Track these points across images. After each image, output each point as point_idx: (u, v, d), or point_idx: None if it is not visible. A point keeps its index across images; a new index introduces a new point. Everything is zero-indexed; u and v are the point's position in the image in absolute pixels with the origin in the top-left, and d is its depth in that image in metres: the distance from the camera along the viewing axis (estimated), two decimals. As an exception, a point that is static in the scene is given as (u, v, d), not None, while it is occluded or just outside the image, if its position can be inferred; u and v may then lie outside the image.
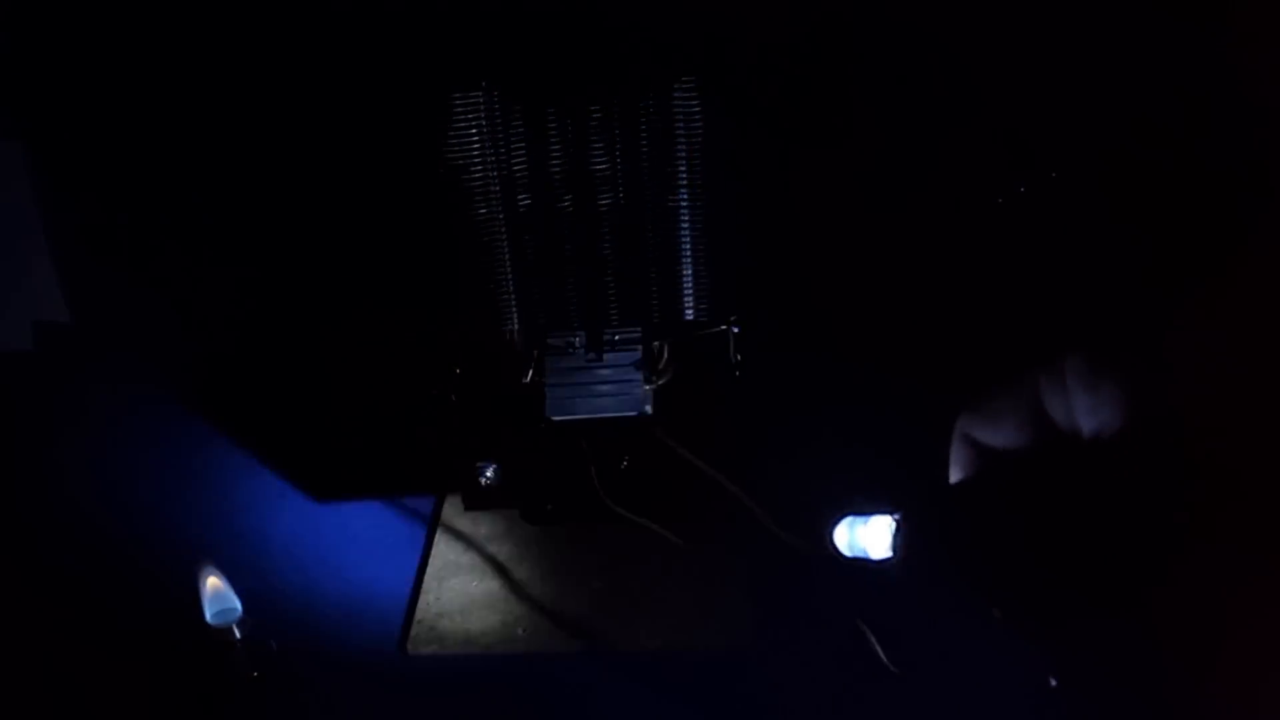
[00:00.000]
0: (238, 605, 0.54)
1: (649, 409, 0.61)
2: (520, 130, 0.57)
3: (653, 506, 0.62)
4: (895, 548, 0.43)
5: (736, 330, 0.60)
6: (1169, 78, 0.54)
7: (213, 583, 0.54)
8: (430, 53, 0.56)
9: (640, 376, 0.62)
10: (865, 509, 0.45)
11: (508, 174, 0.57)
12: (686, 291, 0.60)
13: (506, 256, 0.59)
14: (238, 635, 0.53)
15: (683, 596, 0.62)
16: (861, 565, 0.45)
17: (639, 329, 0.62)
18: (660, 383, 0.62)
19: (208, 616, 0.53)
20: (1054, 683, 0.35)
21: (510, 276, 0.59)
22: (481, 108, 0.56)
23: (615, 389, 0.62)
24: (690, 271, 0.59)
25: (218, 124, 0.59)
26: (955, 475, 0.40)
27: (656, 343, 0.62)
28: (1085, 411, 0.35)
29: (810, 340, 0.63)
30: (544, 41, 0.56)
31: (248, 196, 0.61)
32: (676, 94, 0.56)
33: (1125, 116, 0.56)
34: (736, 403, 0.61)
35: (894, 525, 0.43)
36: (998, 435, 0.39)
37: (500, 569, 0.64)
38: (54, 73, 0.58)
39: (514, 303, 0.59)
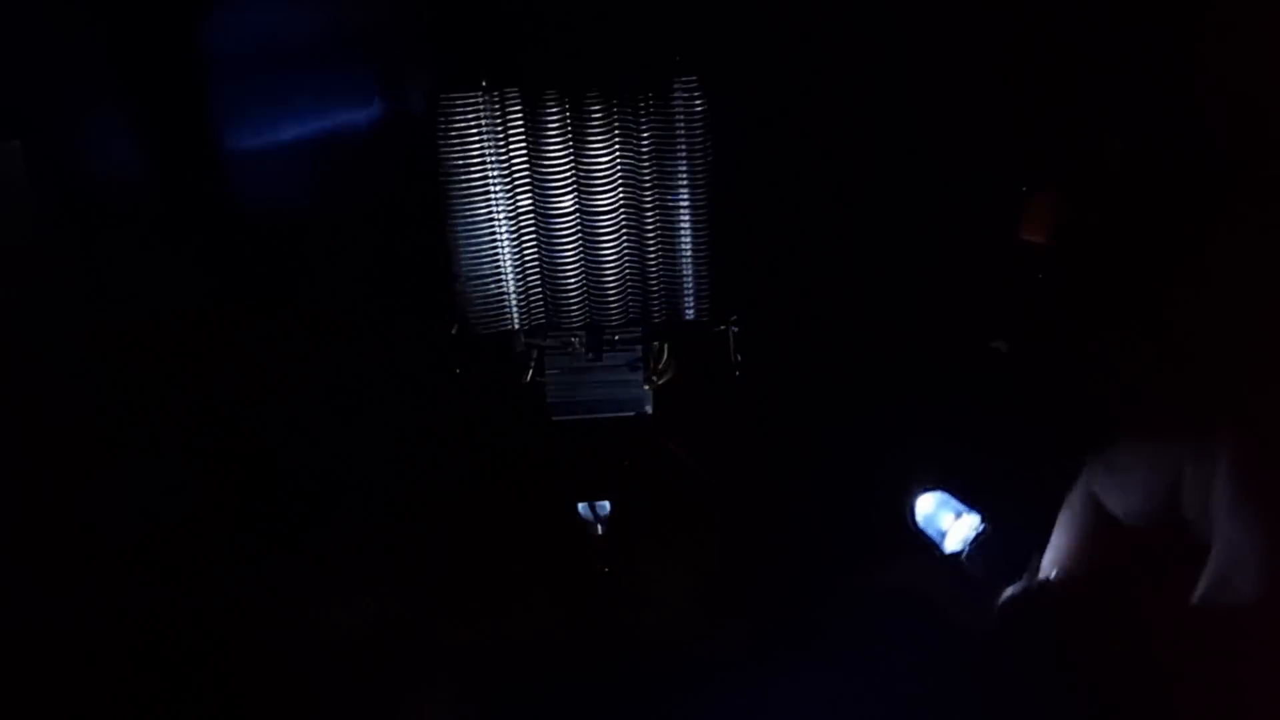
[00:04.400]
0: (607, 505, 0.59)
1: (649, 409, 0.61)
2: (520, 129, 0.57)
3: (652, 506, 0.62)
4: (968, 550, 0.44)
5: (736, 330, 0.60)
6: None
7: None
8: (430, 51, 0.56)
9: (640, 376, 0.62)
10: (962, 497, 0.45)
11: (508, 173, 0.57)
12: (687, 291, 0.59)
13: (506, 256, 0.59)
14: (600, 531, 0.60)
15: (681, 595, 0.62)
16: (926, 541, 0.46)
17: (639, 329, 0.62)
18: (660, 383, 0.62)
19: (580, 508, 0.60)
20: None
21: (510, 276, 0.59)
22: (481, 107, 0.56)
23: (615, 389, 0.61)
24: (690, 271, 0.59)
25: (215, 124, 0.59)
26: (1067, 526, 0.39)
27: (656, 343, 0.62)
28: (1223, 537, 0.33)
29: (811, 340, 0.63)
30: (543, 40, 0.56)
31: (245, 196, 0.61)
32: (677, 93, 0.56)
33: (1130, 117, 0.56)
34: (736, 402, 0.62)
35: (980, 530, 0.44)
36: (1123, 503, 0.38)
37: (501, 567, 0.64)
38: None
39: (514, 303, 0.59)
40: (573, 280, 0.59)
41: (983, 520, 0.44)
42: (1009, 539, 0.43)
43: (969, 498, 0.46)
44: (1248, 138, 0.53)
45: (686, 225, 0.58)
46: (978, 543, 0.44)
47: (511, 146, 0.57)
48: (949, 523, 0.45)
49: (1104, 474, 0.39)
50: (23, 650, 0.55)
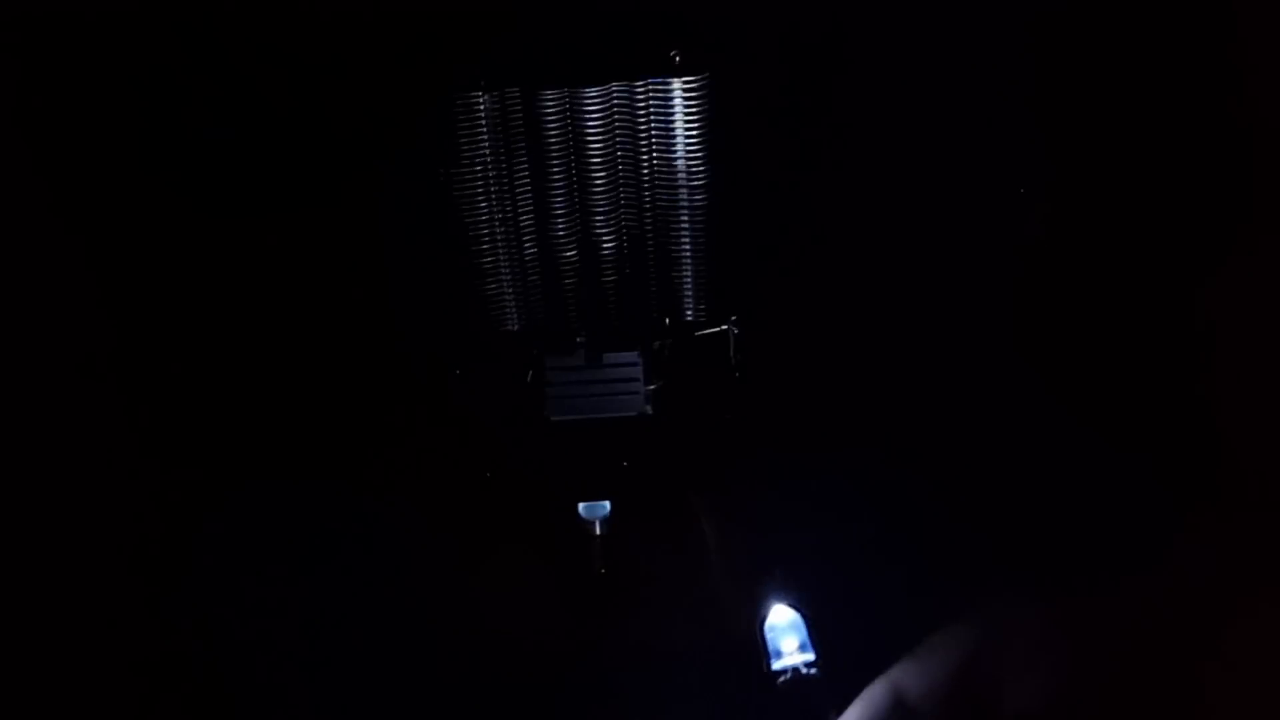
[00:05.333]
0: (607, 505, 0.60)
1: (649, 409, 0.62)
2: (520, 130, 0.57)
3: (652, 506, 0.63)
4: (785, 678, 0.46)
5: (737, 330, 0.60)
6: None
7: None
8: (429, 53, 0.56)
9: (640, 376, 0.62)
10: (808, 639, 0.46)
11: (508, 174, 0.57)
12: (686, 291, 0.60)
13: (506, 256, 0.59)
14: (598, 531, 0.60)
15: (678, 593, 0.62)
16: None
17: (639, 329, 0.62)
18: (660, 383, 0.62)
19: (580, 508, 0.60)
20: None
21: (510, 276, 0.59)
22: (481, 108, 0.56)
23: (615, 389, 0.62)
24: (690, 271, 0.59)
25: (215, 124, 0.59)
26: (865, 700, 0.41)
27: (657, 343, 0.62)
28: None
29: (812, 341, 0.63)
30: (543, 41, 0.56)
31: (245, 197, 0.61)
32: (677, 93, 0.56)
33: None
34: (736, 403, 0.62)
35: (806, 668, 0.46)
36: (920, 685, 0.40)
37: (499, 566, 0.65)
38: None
39: (514, 303, 0.59)
40: (572, 281, 0.60)
41: (813, 664, 0.45)
42: (820, 692, 0.44)
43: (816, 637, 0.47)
44: (1249, 140, 0.54)
45: (686, 225, 0.58)
46: (793, 680, 0.45)
47: (512, 146, 0.57)
48: (789, 646, 0.46)
49: (908, 660, 0.41)
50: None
